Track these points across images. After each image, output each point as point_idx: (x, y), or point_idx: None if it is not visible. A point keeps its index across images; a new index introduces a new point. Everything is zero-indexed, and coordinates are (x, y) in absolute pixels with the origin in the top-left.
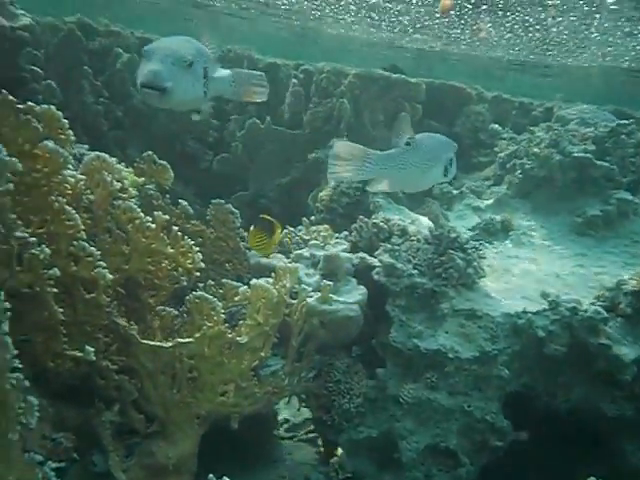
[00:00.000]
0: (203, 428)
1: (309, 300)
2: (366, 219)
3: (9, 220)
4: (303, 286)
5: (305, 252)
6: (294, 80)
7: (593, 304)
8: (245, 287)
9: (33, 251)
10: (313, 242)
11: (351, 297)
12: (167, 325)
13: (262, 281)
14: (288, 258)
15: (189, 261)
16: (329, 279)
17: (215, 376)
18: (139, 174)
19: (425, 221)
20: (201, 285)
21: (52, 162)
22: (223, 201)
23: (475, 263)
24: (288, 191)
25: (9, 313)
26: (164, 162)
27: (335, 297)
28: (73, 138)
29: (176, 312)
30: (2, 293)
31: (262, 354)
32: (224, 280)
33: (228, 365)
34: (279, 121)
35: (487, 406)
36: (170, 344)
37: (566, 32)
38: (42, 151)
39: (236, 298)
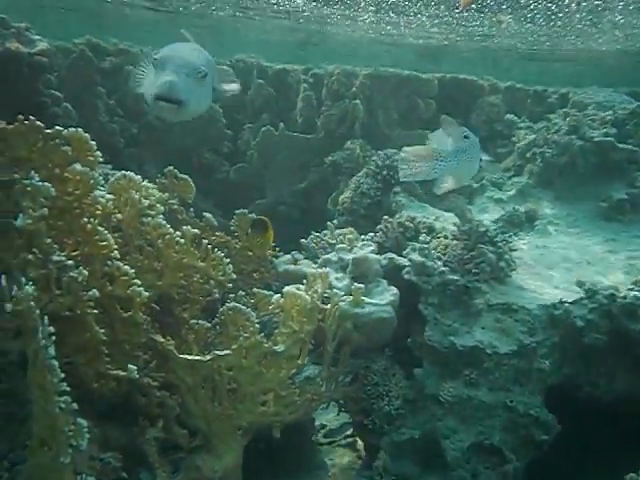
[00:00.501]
0: (246, 439)
1: (341, 304)
2: (391, 219)
3: (45, 245)
4: (335, 290)
5: (333, 256)
6: (304, 85)
7: (631, 289)
8: (278, 295)
9: (71, 274)
10: (340, 246)
11: (383, 298)
12: (202, 338)
13: (294, 288)
14: (316, 263)
15: (220, 273)
16: (359, 282)
17: (255, 386)
18: (162, 189)
19: (450, 216)
20: (232, 296)
21: (82, 184)
22: (246, 211)
23: (506, 256)
24: (306, 196)
25: (53, 337)
26: (185, 176)
27: (367, 299)
28: (101, 159)
29: (209, 324)
30: (45, 318)
31: (299, 361)
32: (255, 289)
33: (267, 375)
34: (292, 126)
35: (530, 400)
36: (208, 357)
37: (584, 14)
38: (72, 174)
39: (270, 307)
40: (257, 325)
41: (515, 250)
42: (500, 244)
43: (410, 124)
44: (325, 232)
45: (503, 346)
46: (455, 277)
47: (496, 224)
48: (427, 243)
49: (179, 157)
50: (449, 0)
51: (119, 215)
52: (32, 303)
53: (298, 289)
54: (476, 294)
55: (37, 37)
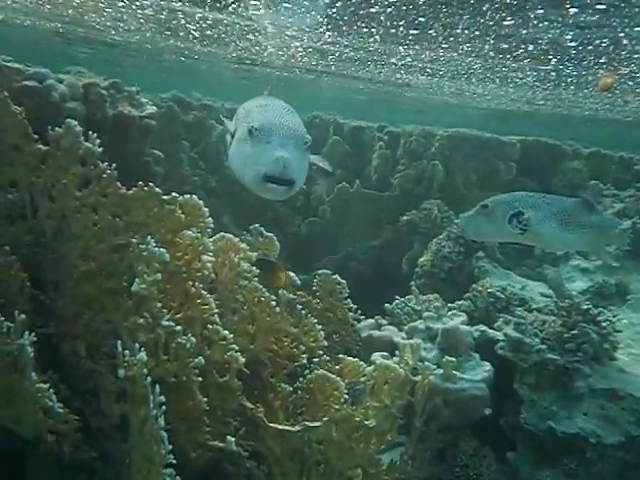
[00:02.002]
0: None
1: (431, 378)
2: (480, 287)
3: (155, 309)
4: (427, 364)
5: (420, 324)
6: (380, 143)
7: None
8: (370, 368)
9: (179, 340)
10: (427, 314)
11: (476, 374)
12: (285, 404)
13: (386, 360)
14: (401, 330)
15: (312, 339)
16: (449, 354)
17: (343, 462)
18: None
19: (535, 285)
20: (315, 360)
21: (193, 249)
22: (329, 272)
23: (611, 337)
24: (379, 253)
25: (163, 407)
26: (270, 234)
27: (459, 374)
28: (212, 225)
29: (291, 388)
30: (157, 386)
31: (389, 437)
32: (340, 356)
33: (356, 450)
34: (365, 183)
35: None
36: (298, 428)
37: None
38: (183, 239)
39: (359, 377)
40: (346, 396)
41: (621, 332)
42: (604, 324)
43: (489, 186)
44: (409, 297)
45: (608, 436)
46: (554, 356)
47: (584, 295)
48: (524, 318)
49: (255, 210)
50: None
51: (213, 275)
52: (144, 370)
53: (386, 359)
54: (577, 376)
55: (145, 100)
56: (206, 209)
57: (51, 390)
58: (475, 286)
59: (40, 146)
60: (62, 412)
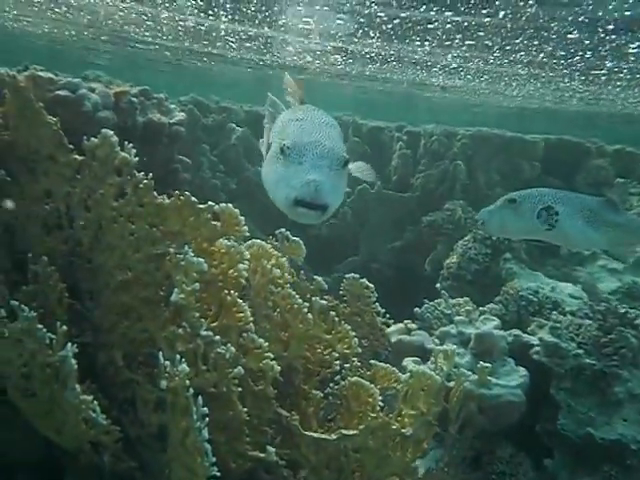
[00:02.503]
0: None
1: (466, 384)
2: (511, 291)
3: (194, 319)
4: (462, 370)
5: (452, 329)
6: (400, 143)
7: None
8: (407, 375)
9: (218, 350)
10: (459, 318)
11: (512, 380)
12: (318, 411)
13: (424, 367)
14: (431, 335)
15: (345, 346)
16: (482, 359)
17: (380, 470)
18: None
19: (565, 287)
20: (346, 366)
21: (229, 258)
22: (358, 275)
23: None
24: (401, 255)
25: (207, 419)
26: (297, 239)
27: (494, 380)
28: (247, 234)
29: (322, 394)
30: (200, 398)
31: (425, 445)
32: (372, 362)
33: (393, 458)
34: (385, 184)
35: None
36: (335, 436)
37: None
38: (219, 248)
39: (398, 386)
40: (381, 403)
41: None
42: None
43: (512, 185)
44: (439, 301)
45: None
46: (591, 361)
47: (614, 296)
48: (559, 322)
49: (276, 212)
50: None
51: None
52: (187, 382)
53: (418, 365)
54: (615, 381)
55: (173, 106)
56: (242, 217)
57: (95, 402)
58: (505, 289)
59: (75, 156)
60: (105, 423)
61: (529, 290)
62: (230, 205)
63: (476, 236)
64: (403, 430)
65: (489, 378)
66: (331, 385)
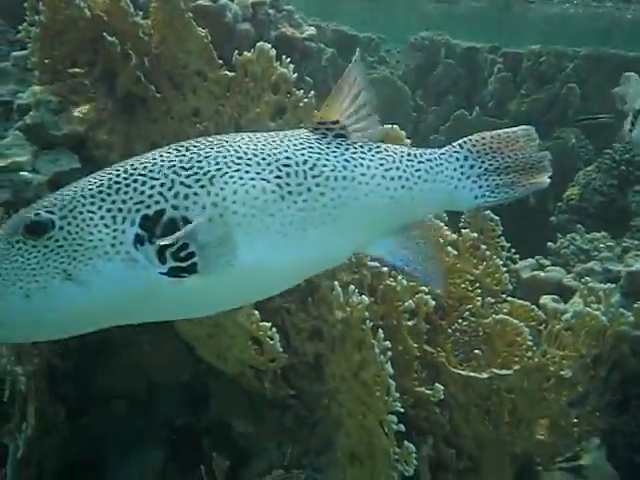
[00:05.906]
0: (513, 468)
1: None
2: None
3: None
4: (621, 310)
5: (596, 266)
6: (499, 66)
7: None
8: (568, 314)
9: (387, 282)
10: (605, 254)
11: None
12: (455, 348)
13: (589, 309)
14: (568, 272)
15: (495, 282)
16: (634, 299)
17: (533, 412)
18: None
19: None
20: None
21: None
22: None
23: None
24: None
25: (390, 353)
26: None
27: None
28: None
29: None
30: (381, 331)
31: (579, 388)
32: (509, 298)
33: (548, 400)
34: (480, 110)
35: None
36: (486, 375)
37: None
38: None
39: (557, 326)
40: (530, 342)
41: None
42: None
43: None
44: (573, 235)
45: None
46: None
47: None
48: None
49: None
50: None
51: None
52: (365, 314)
53: (557, 303)
54: None
55: (301, 20)
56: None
57: (273, 328)
58: (635, 223)
59: (226, 72)
60: (281, 350)
61: None
62: (396, 127)
63: (601, 166)
64: (562, 372)
65: None
66: (470, 322)
